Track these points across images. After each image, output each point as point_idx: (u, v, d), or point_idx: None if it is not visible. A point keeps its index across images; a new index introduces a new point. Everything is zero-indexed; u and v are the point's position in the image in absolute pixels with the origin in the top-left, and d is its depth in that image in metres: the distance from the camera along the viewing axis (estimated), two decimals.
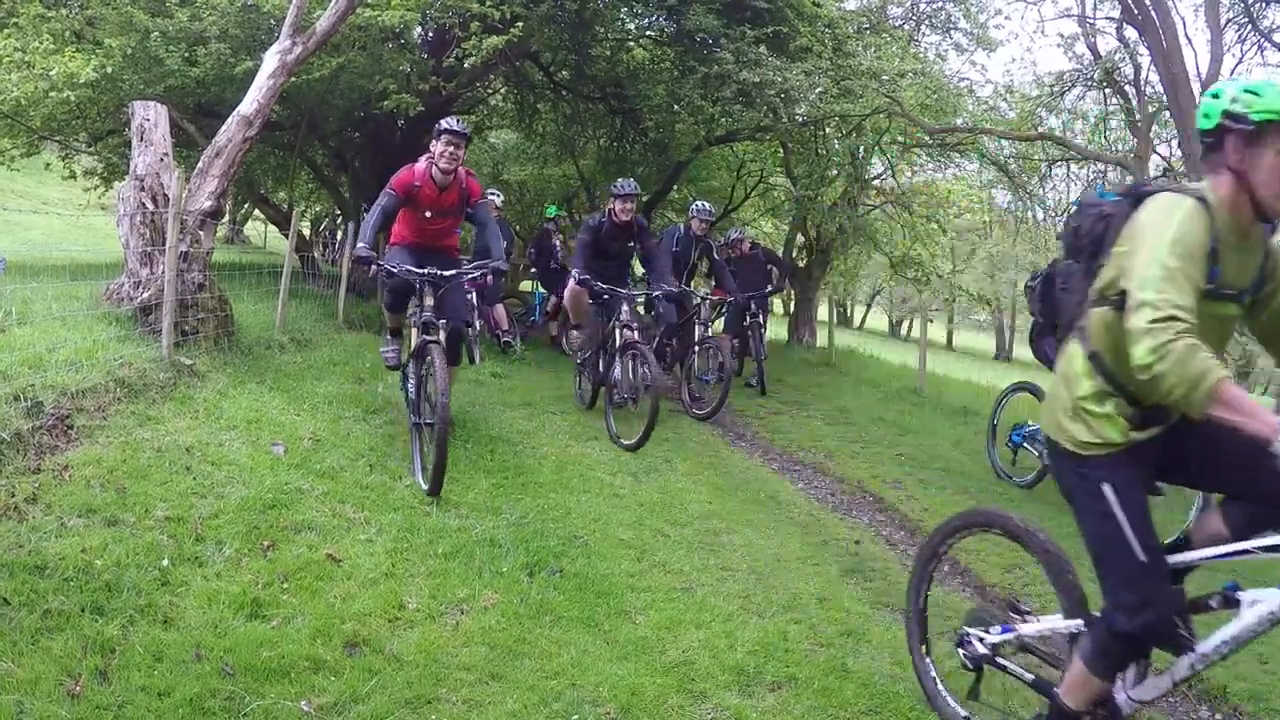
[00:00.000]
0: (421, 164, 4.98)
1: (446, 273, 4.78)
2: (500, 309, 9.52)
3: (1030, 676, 2.49)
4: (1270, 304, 2.21)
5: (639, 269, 9.12)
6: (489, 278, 7.73)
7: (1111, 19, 9.44)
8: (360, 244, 4.63)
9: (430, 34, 11.42)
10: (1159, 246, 1.99)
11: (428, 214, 5.03)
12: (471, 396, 6.94)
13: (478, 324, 8.56)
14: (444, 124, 4.91)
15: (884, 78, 9.95)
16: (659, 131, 11.97)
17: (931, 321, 30.95)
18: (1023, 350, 40.09)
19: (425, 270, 4.72)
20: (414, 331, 4.95)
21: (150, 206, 5.64)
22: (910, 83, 10.45)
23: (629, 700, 2.71)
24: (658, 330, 8.26)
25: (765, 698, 2.86)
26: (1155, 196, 2.11)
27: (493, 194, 9.98)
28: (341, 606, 3.01)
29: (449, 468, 4.21)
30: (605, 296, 6.65)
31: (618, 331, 6.45)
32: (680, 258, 8.18)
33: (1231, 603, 2.08)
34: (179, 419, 4.49)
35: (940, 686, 2.77)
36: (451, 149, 4.85)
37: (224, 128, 6.38)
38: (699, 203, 8.84)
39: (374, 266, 4.77)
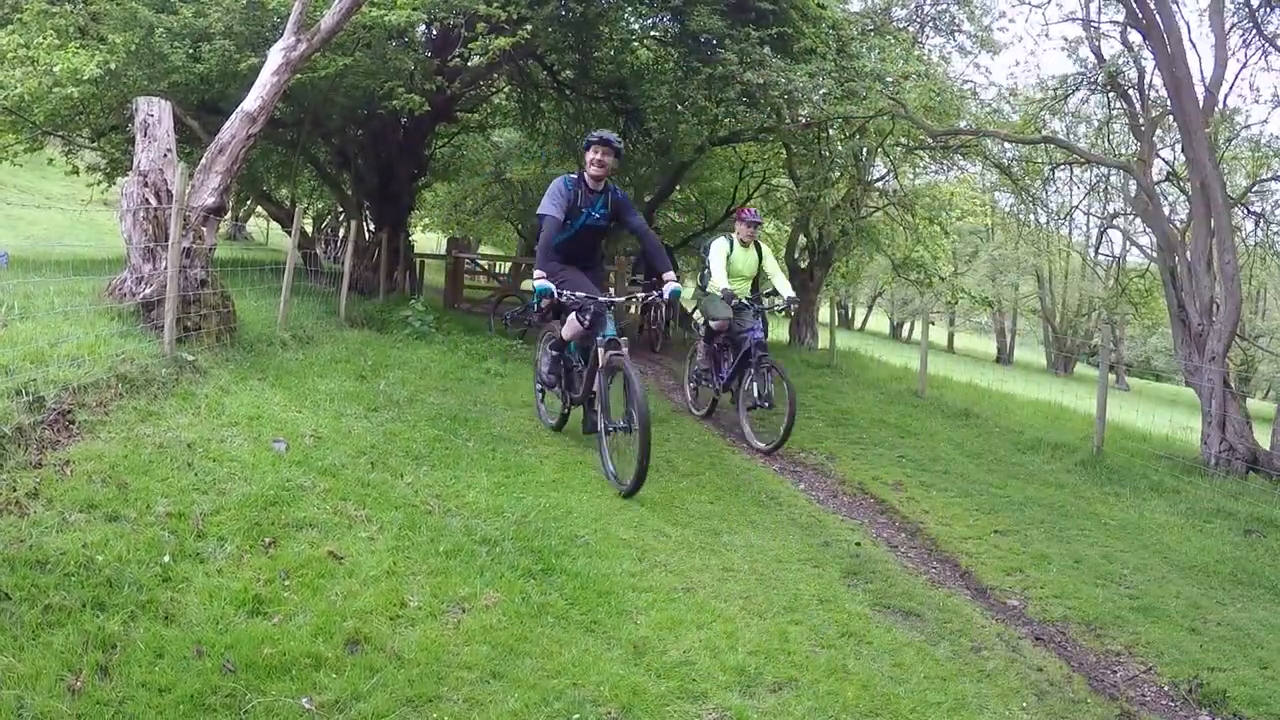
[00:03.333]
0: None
1: None
2: None
3: None
4: None
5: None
6: None
7: (1116, 23, 9.42)
8: None
9: (435, 33, 11.44)
10: None
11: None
12: (474, 395, 6.94)
13: None
14: None
15: (888, 80, 9.95)
16: (662, 132, 11.98)
17: (933, 324, 30.95)
18: (1024, 353, 40.07)
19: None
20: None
21: (153, 202, 5.64)
22: (914, 85, 10.45)
23: (630, 700, 2.70)
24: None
25: (766, 699, 2.86)
26: None
27: None
28: (343, 604, 3.01)
29: (449, 465, 4.17)
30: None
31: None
32: None
33: None
34: (181, 415, 4.49)
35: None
36: None
37: (227, 124, 6.39)
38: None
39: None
